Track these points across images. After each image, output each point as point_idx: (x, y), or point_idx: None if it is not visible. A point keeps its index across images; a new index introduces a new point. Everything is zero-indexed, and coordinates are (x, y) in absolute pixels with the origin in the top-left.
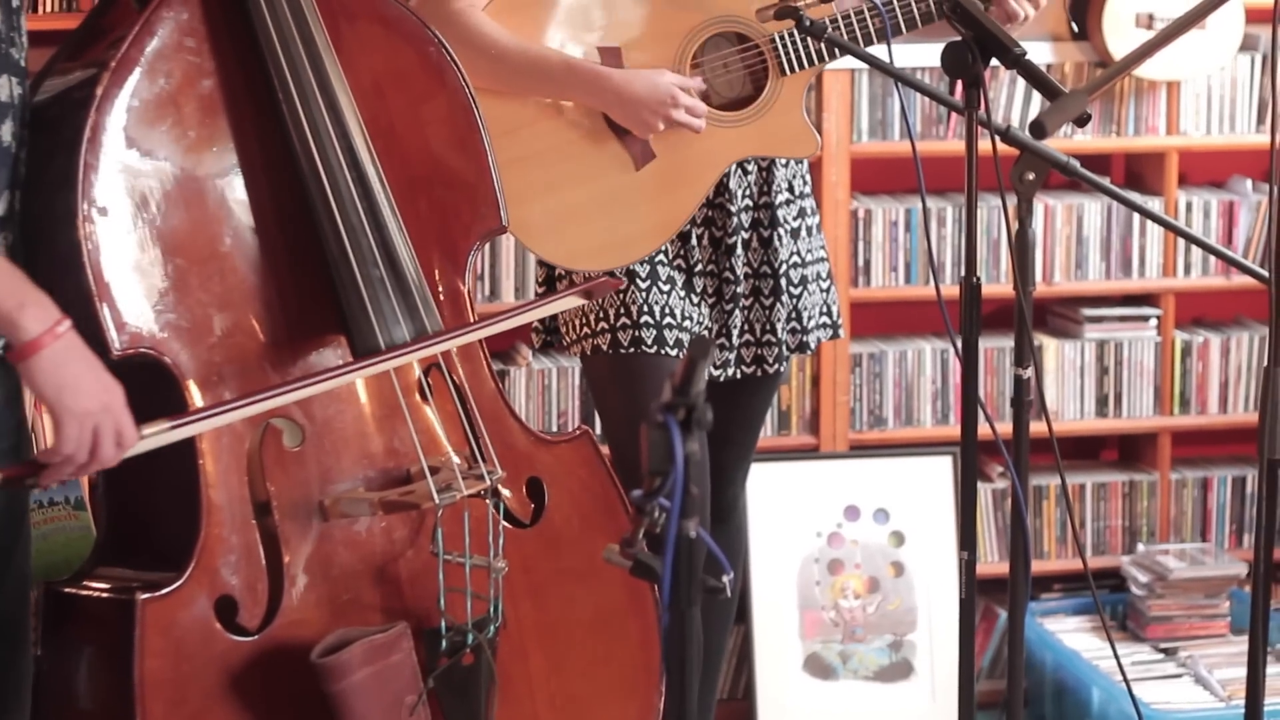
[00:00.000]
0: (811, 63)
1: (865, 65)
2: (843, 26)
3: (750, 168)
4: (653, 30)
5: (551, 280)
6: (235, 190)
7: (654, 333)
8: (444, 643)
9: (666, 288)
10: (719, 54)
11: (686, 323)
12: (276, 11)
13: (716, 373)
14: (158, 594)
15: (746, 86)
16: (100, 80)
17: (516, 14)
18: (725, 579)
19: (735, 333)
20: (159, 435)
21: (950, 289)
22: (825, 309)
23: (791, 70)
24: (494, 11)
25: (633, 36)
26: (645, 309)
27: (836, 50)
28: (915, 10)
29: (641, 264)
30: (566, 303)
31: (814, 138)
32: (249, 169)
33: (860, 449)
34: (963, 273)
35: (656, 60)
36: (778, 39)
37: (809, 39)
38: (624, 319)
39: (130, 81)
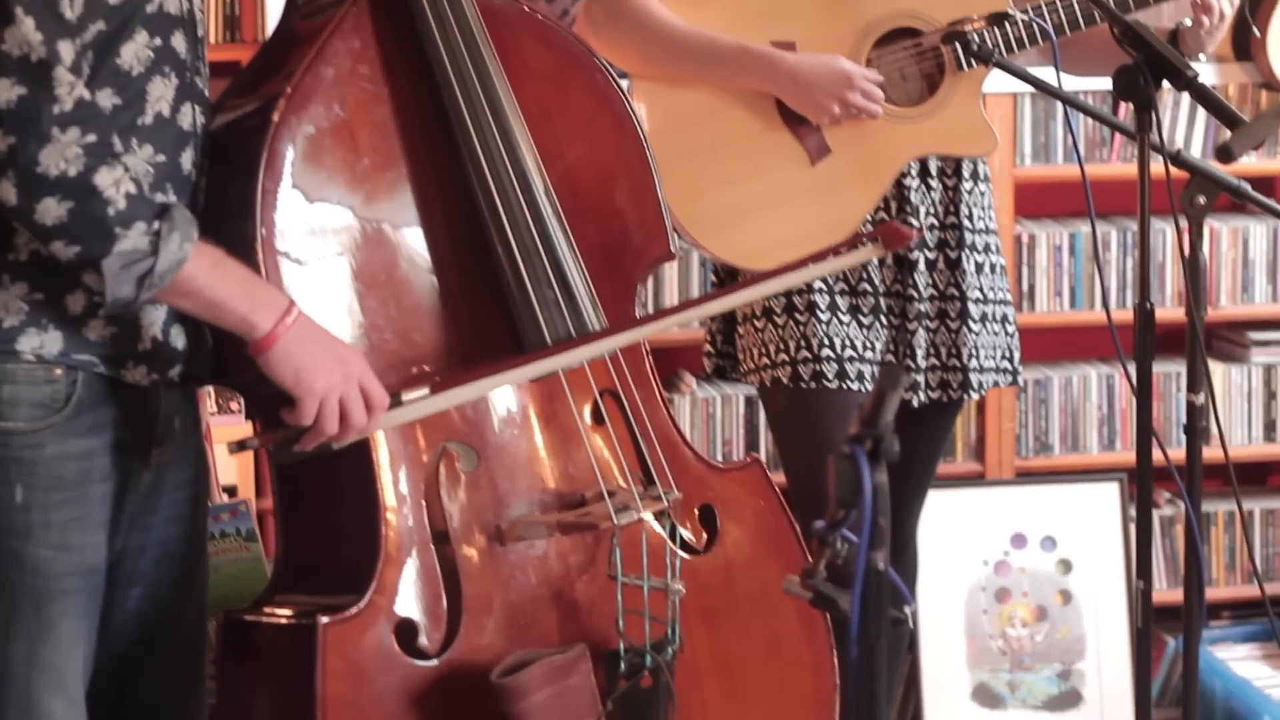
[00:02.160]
0: (988, 60)
1: (1028, 88)
2: (1015, 28)
3: (935, 184)
4: (828, 26)
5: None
6: (409, 215)
7: (835, 366)
8: (623, 664)
9: (847, 319)
10: (894, 47)
11: (868, 354)
12: (449, 37)
13: (907, 396)
14: (340, 616)
15: (921, 87)
16: (276, 108)
17: (692, 10)
18: (907, 609)
19: (920, 354)
20: (419, 404)
21: (1117, 313)
22: (1007, 353)
23: (969, 66)
24: (670, 6)
25: (808, 32)
26: (825, 341)
27: (1022, 41)
28: (1078, 10)
29: (821, 294)
30: (852, 258)
31: (993, 135)
32: (422, 194)
33: (1026, 475)
34: (1130, 298)
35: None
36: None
37: (985, 35)
38: (804, 351)
39: (306, 109)
